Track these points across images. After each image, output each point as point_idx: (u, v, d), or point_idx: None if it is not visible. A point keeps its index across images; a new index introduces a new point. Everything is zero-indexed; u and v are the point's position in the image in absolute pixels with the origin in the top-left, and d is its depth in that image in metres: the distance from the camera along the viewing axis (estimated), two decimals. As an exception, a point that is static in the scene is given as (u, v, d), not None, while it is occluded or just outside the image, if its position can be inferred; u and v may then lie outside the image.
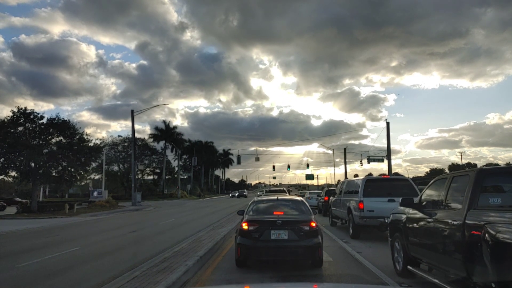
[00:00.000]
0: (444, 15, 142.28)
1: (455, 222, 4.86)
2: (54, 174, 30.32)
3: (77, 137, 29.81)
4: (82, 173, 31.21)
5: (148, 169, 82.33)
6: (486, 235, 4.07)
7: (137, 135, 79.46)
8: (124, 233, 15.66)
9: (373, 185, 13.20)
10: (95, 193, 43.26)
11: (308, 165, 71.29)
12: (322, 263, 7.91)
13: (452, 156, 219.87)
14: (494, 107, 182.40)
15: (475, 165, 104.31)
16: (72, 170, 30.92)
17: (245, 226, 7.81)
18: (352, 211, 13.20)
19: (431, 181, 6.59)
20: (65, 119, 30.30)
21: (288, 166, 67.94)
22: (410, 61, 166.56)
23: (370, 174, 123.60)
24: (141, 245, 12.00)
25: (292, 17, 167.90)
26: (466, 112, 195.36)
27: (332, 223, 17.36)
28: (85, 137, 30.68)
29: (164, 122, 76.66)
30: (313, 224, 7.80)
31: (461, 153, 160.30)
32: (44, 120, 29.93)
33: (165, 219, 22.13)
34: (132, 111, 45.28)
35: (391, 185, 13.46)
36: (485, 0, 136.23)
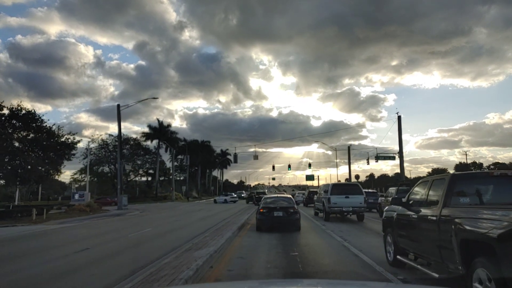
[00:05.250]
0: (447, 12, 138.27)
1: (433, 218, 5.78)
2: (19, 173, 25.74)
3: (44, 131, 25.21)
4: (52, 172, 26.64)
5: (141, 170, 77.80)
6: (455, 227, 5.05)
7: (134, 137, 75.56)
8: (72, 251, 11.33)
9: (337, 187, 20.81)
10: (76, 196, 38.72)
11: (310, 165, 67.13)
12: (300, 229, 15.28)
13: (451, 156, 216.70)
14: (494, 107, 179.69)
15: (481, 164, 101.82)
16: (42, 169, 26.33)
17: (261, 210, 15.53)
18: (325, 203, 20.13)
19: (417, 183, 7.45)
20: (30, 109, 25.67)
21: (289, 166, 63.93)
22: (410, 60, 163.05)
23: (372, 175, 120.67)
24: (68, 278, 7.58)
25: (293, 15, 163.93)
26: (466, 112, 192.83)
27: (315, 213, 24.64)
28: (56, 132, 26.08)
29: (158, 120, 72.15)
30: (295, 208, 15.60)
31: (466, 152, 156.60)
32: (5, 111, 25.33)
33: (141, 229, 17.68)
34: (118, 106, 41.03)
35: (347, 187, 21.27)
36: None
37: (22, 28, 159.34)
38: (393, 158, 42.07)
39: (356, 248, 10.35)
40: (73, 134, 28.17)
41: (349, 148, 62.32)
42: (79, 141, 28.01)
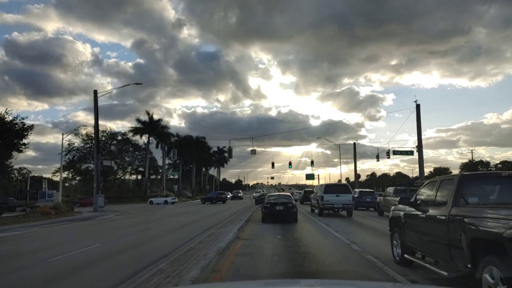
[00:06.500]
0: (446, 11, 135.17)
1: (442, 217, 5.92)
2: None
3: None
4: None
5: (130, 167, 72.22)
6: (464, 227, 5.22)
7: (123, 131, 69.99)
8: None
9: (329, 187, 24.55)
10: (45, 196, 33.10)
11: (312, 162, 62.28)
12: (297, 221, 18.50)
13: (449, 156, 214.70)
14: (492, 106, 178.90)
15: (488, 163, 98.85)
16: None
17: (265, 205, 19.23)
18: (319, 201, 23.90)
19: (424, 183, 7.83)
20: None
21: (290, 163, 60.05)
22: (410, 59, 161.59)
23: (373, 174, 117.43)
24: None
25: (292, 13, 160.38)
26: (464, 111, 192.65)
27: (311, 210, 28.16)
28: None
29: (148, 113, 66.67)
30: (293, 204, 19.13)
31: (472, 150, 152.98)
32: None
33: (86, 244, 12.55)
34: (95, 92, 36.86)
35: (338, 187, 24.89)
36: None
37: (19, 25, 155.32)
38: (410, 153, 36.91)
39: (344, 236, 12.75)
40: (22, 119, 22.60)
41: (354, 144, 58.47)
42: (31, 128, 22.43)
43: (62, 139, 42.52)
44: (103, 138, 67.45)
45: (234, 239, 12.13)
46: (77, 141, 64.28)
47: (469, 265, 5.08)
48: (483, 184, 6.29)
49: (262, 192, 51.86)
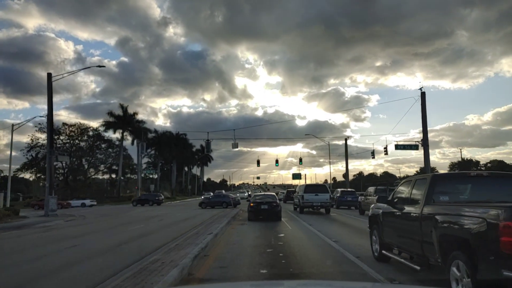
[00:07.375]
0: (430, 14, 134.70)
1: (415, 215, 6.35)
2: None
3: None
4: None
5: (102, 165, 65.98)
6: (435, 223, 5.58)
7: (95, 126, 63.73)
8: None
9: (309, 187, 28.14)
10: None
11: (300, 160, 57.61)
12: (281, 219, 20.44)
13: (432, 156, 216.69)
14: (473, 108, 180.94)
15: (477, 162, 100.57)
16: None
17: (251, 204, 21.35)
18: (300, 200, 27.16)
19: (401, 182, 8.14)
20: None
21: (276, 161, 56.30)
22: (394, 61, 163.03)
23: (360, 173, 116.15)
24: None
25: (279, 13, 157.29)
26: (447, 113, 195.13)
27: (294, 208, 30.88)
28: None
29: (122, 106, 60.75)
30: (277, 203, 21.20)
31: (460, 149, 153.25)
32: None
33: None
34: (49, 75, 31.72)
35: (317, 187, 28.16)
36: (471, 0, 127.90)
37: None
38: (415, 147, 32.32)
39: (315, 229, 15.83)
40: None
41: (346, 140, 54.95)
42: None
43: (12, 130, 36.63)
44: (72, 134, 61.38)
45: (181, 280, 6.83)
46: (42, 137, 58.05)
47: (439, 260, 5.47)
48: (454, 183, 6.72)
49: (220, 193, 48.03)
